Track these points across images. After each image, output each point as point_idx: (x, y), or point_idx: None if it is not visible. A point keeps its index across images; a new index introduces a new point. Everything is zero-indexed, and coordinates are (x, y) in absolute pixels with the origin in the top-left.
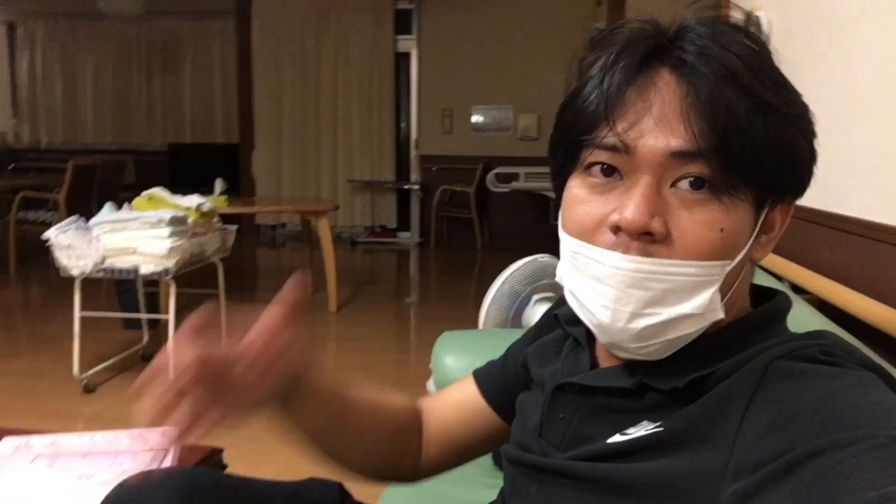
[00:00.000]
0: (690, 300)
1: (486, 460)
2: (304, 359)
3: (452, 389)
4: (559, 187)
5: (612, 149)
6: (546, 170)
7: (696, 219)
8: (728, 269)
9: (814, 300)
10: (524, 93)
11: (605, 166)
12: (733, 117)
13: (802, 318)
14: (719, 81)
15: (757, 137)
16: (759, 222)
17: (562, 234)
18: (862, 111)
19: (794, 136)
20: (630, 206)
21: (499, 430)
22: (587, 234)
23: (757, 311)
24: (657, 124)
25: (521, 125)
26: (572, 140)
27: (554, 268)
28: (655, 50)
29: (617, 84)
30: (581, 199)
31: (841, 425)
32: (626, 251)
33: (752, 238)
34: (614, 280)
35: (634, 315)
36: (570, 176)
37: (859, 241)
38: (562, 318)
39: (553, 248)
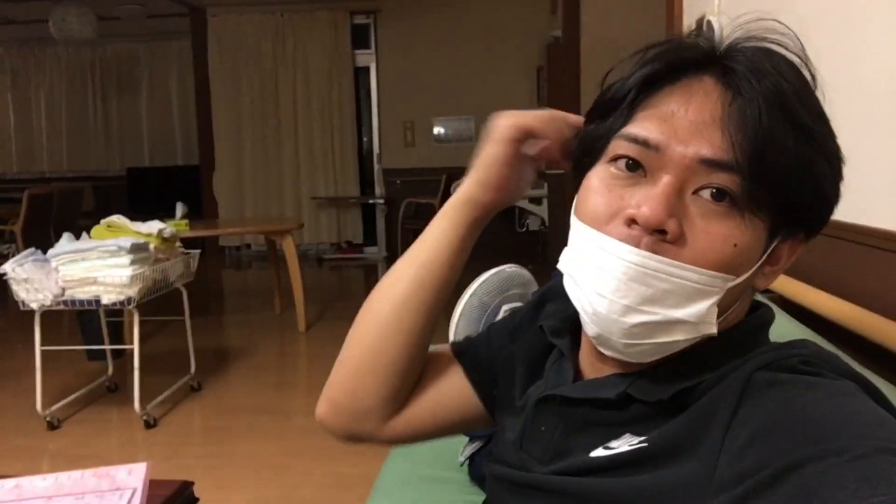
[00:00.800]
0: (687, 306)
1: (463, 476)
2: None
3: (433, 369)
4: (580, 176)
5: (643, 143)
6: None
7: (713, 229)
8: (730, 284)
9: (776, 298)
10: (485, 103)
11: (630, 161)
12: (775, 137)
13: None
14: (767, 99)
15: (792, 163)
16: (770, 250)
17: (573, 221)
18: None
19: (825, 172)
20: (650, 201)
21: (475, 413)
22: (599, 223)
23: (741, 324)
24: (692, 128)
25: (483, 135)
26: (603, 127)
27: (522, 278)
28: (704, 59)
29: (657, 75)
30: (600, 189)
31: (822, 436)
32: (636, 245)
33: (760, 263)
34: (618, 271)
35: (630, 309)
36: (593, 166)
37: (821, 240)
38: (547, 330)
39: (520, 256)
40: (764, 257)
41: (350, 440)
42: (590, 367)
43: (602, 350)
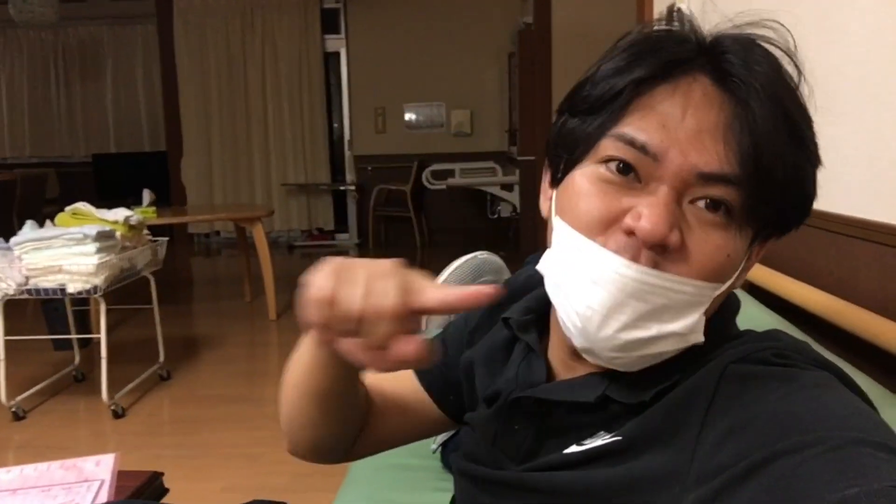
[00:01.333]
0: (680, 319)
1: (435, 463)
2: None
3: (387, 378)
4: (557, 172)
5: (640, 148)
6: (481, 164)
7: (710, 240)
8: (717, 293)
9: (744, 285)
10: (456, 89)
11: (622, 164)
12: (774, 147)
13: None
14: (765, 106)
15: (789, 172)
16: (749, 254)
17: (558, 222)
18: None
19: (811, 177)
20: (651, 215)
21: (436, 419)
22: (593, 231)
23: (716, 321)
24: (692, 136)
25: (455, 121)
26: (592, 125)
27: (493, 264)
28: (695, 52)
29: (649, 72)
30: (589, 191)
31: (797, 428)
32: (634, 258)
33: (742, 268)
34: (613, 286)
35: (626, 326)
36: (578, 164)
37: None
38: (514, 324)
39: (492, 243)
40: (745, 262)
41: (318, 463)
42: (562, 365)
43: (587, 358)
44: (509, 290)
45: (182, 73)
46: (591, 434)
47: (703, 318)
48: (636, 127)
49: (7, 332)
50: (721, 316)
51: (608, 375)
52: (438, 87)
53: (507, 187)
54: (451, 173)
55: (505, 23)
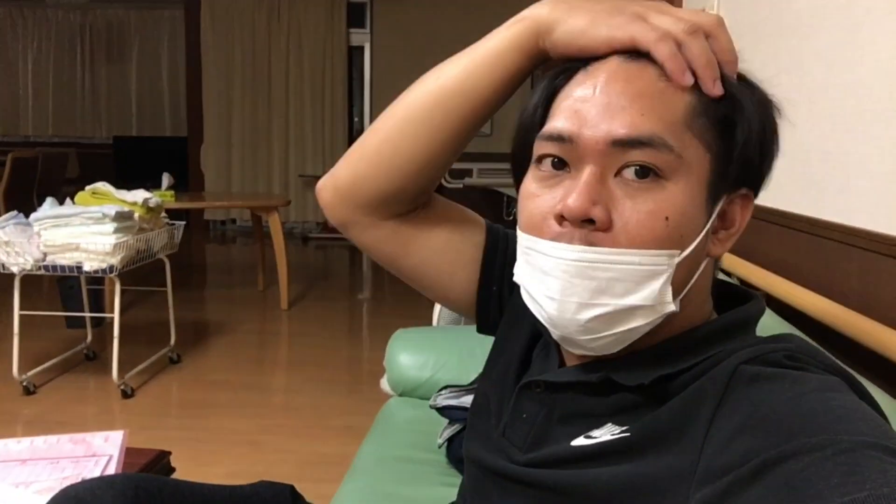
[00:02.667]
0: (638, 291)
1: (441, 458)
2: None
3: (455, 214)
4: (518, 185)
5: (558, 138)
6: (499, 165)
7: (640, 207)
8: (677, 260)
9: (762, 295)
10: None
11: (555, 159)
12: (672, 104)
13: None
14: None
15: (709, 114)
16: (714, 214)
17: (518, 233)
18: (811, 110)
19: (742, 123)
20: (573, 193)
21: (465, 281)
22: (536, 228)
23: (727, 315)
24: (601, 110)
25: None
26: (526, 135)
27: None
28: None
29: (568, 72)
30: (532, 193)
31: (806, 430)
32: (570, 241)
33: (706, 230)
34: (559, 270)
35: (581, 305)
36: (525, 175)
37: (807, 238)
38: (534, 318)
39: None
40: (710, 223)
41: (337, 223)
42: (570, 356)
43: (572, 351)
44: None
45: (206, 61)
46: (600, 424)
47: (670, 288)
48: (555, 120)
49: (22, 308)
50: (737, 316)
51: (611, 361)
52: None
53: None
54: (468, 173)
55: None
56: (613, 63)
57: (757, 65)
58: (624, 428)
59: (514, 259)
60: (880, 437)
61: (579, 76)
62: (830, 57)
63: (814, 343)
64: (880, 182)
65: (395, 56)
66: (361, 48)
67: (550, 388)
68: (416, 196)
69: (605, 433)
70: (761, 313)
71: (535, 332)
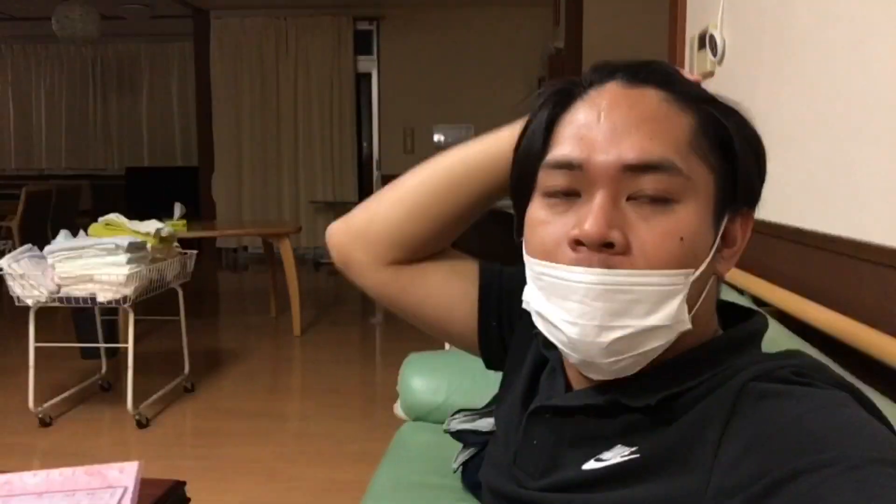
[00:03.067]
0: (658, 311)
1: (456, 483)
2: None
3: (453, 259)
4: (521, 212)
5: (567, 166)
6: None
7: (656, 229)
8: (692, 278)
9: (775, 312)
10: (484, 112)
11: (565, 189)
12: (674, 123)
13: (771, 335)
14: (658, 80)
15: (724, 137)
16: (720, 233)
17: (526, 258)
18: (817, 125)
19: (741, 142)
20: (589, 218)
21: (464, 318)
22: (550, 254)
23: (731, 332)
24: (609, 134)
25: None
26: (529, 160)
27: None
28: (605, 76)
29: (564, 92)
30: (543, 220)
31: (816, 447)
32: (588, 265)
33: (714, 249)
34: (578, 295)
35: (602, 328)
36: (531, 199)
37: (818, 254)
38: (540, 342)
39: (517, 265)
40: (717, 241)
41: (342, 262)
42: (576, 379)
43: (591, 375)
44: None
45: (216, 91)
46: (610, 446)
47: (686, 306)
48: (561, 148)
49: (37, 340)
50: (742, 332)
51: (618, 383)
52: (467, 110)
53: None
54: None
55: (534, 47)
56: (613, 88)
57: (762, 80)
58: (633, 448)
59: (509, 290)
60: (890, 452)
61: (578, 104)
62: (832, 71)
63: (821, 360)
64: (891, 196)
65: (402, 81)
66: (369, 75)
67: (559, 413)
68: (420, 248)
69: (616, 455)
70: (765, 328)
71: (541, 358)
